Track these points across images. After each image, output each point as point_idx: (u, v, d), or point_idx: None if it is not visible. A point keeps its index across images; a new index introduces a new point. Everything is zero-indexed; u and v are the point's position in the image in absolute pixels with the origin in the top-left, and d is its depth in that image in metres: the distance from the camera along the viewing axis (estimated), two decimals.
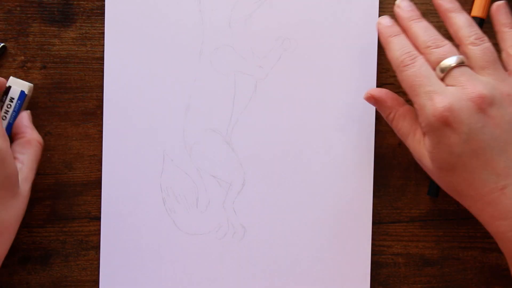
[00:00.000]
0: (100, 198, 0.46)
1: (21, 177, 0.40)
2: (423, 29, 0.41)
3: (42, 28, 0.45)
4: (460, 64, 0.39)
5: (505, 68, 0.41)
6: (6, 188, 0.38)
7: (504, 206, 0.38)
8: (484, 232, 0.47)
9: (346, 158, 0.46)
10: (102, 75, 0.46)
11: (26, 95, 0.43)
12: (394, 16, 0.43)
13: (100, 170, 0.46)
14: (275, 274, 0.46)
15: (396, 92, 0.47)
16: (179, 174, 0.46)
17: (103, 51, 0.45)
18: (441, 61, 0.39)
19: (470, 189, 0.39)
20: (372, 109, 0.46)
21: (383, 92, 0.43)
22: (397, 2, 0.43)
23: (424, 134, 0.40)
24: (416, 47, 0.41)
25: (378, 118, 0.46)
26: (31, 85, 0.44)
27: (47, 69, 0.45)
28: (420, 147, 0.41)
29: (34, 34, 0.45)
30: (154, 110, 0.46)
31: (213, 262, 0.46)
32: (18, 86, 0.43)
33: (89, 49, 0.46)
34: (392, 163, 0.47)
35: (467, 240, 0.47)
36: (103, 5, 0.45)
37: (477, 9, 0.45)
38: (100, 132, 0.46)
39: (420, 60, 0.40)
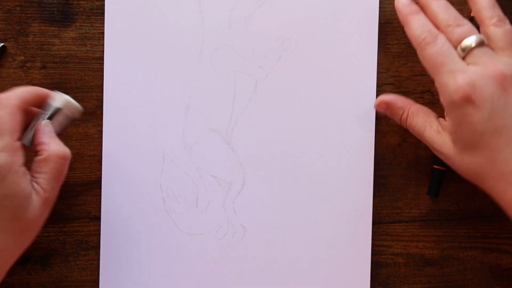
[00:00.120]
0: (100, 198, 0.46)
1: (36, 199, 0.37)
2: (443, 8, 0.41)
3: (42, 28, 0.45)
4: (480, 44, 0.39)
5: None
6: (5, 209, 0.35)
7: None
8: (484, 232, 0.47)
9: (346, 158, 0.46)
10: (102, 75, 0.45)
11: (60, 109, 0.40)
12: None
13: (100, 170, 0.46)
14: (275, 274, 0.46)
15: (394, 92, 0.47)
16: (179, 174, 0.46)
17: (103, 51, 0.45)
18: (462, 40, 0.40)
19: (492, 169, 0.39)
20: (372, 109, 0.46)
21: (391, 96, 0.44)
22: None
23: (445, 115, 0.41)
24: (436, 25, 0.41)
25: (378, 118, 0.46)
26: (78, 107, 0.41)
27: (47, 69, 0.45)
28: (440, 136, 0.41)
29: (34, 34, 0.45)
30: (154, 110, 0.46)
31: (213, 262, 0.46)
32: (56, 101, 0.40)
33: (89, 49, 0.46)
34: (392, 163, 0.47)
35: (467, 240, 0.47)
36: (103, 5, 0.45)
37: None
38: (100, 132, 0.46)
39: (442, 39, 0.40)
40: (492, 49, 0.40)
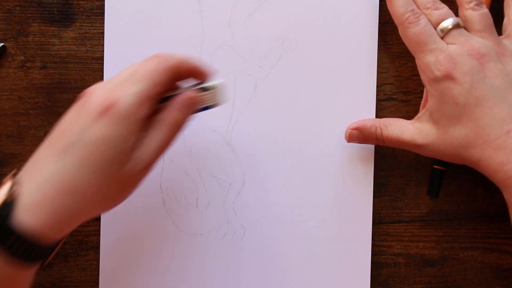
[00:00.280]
0: None
1: (137, 159, 0.35)
2: None
3: (42, 28, 0.45)
4: (456, 26, 0.42)
5: (503, 32, 0.45)
6: (106, 151, 0.34)
7: (511, 149, 0.39)
8: (484, 232, 0.47)
9: (346, 158, 0.46)
10: (102, 75, 0.45)
11: (208, 93, 0.38)
12: None
13: None
14: (275, 274, 0.46)
15: (395, 92, 0.47)
16: (179, 174, 0.46)
17: (103, 51, 0.45)
18: (440, 22, 0.43)
19: (477, 138, 0.40)
20: (372, 109, 0.46)
21: (357, 121, 0.45)
22: None
23: (428, 94, 0.43)
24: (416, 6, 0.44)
25: (378, 118, 0.46)
26: (223, 101, 0.39)
27: (47, 69, 0.45)
28: (420, 127, 0.43)
29: (34, 34, 0.45)
30: None
31: (213, 262, 0.46)
32: (210, 86, 0.38)
33: (89, 49, 0.46)
34: (392, 163, 0.47)
35: (467, 240, 0.47)
36: (103, 5, 0.45)
37: None
38: None
39: (424, 19, 0.43)
40: (469, 31, 0.43)
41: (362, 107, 0.46)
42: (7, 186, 0.34)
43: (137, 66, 0.36)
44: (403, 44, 0.46)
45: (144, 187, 0.45)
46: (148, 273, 0.46)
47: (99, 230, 0.45)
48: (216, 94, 0.39)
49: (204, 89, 0.38)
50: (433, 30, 0.43)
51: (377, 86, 0.47)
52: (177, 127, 0.37)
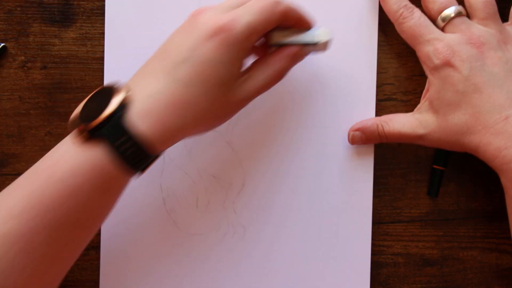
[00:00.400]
0: None
1: (240, 87, 0.38)
2: None
3: (42, 28, 0.45)
4: (458, 14, 0.43)
5: (510, 19, 0.45)
6: (214, 72, 0.36)
7: (509, 134, 0.40)
8: (484, 232, 0.47)
9: (346, 158, 0.46)
10: (102, 75, 0.46)
11: (313, 45, 0.40)
12: None
13: None
14: (275, 274, 0.46)
15: (394, 92, 0.47)
16: (179, 174, 0.46)
17: (103, 51, 0.45)
18: (442, 10, 0.43)
19: (477, 124, 0.41)
20: (372, 109, 0.46)
21: (359, 122, 0.45)
22: None
23: (429, 84, 0.44)
24: None
25: None
26: (326, 49, 0.41)
27: (47, 69, 0.46)
28: (420, 118, 0.44)
29: (34, 34, 0.45)
30: None
31: (213, 262, 0.46)
32: (317, 37, 0.40)
33: (89, 49, 0.46)
34: (392, 163, 0.47)
35: (467, 240, 0.47)
36: (103, 5, 0.45)
37: None
38: None
39: (418, 12, 0.44)
40: (472, 18, 0.44)
41: (362, 107, 0.46)
42: (123, 92, 0.35)
43: (246, 0, 0.38)
44: (403, 44, 0.46)
45: (144, 187, 0.46)
46: (148, 273, 0.46)
47: (99, 230, 0.45)
48: (320, 45, 0.41)
49: (308, 41, 0.40)
50: (429, 21, 0.43)
51: (377, 86, 0.47)
52: (282, 73, 0.40)
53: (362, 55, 0.46)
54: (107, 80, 0.45)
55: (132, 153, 0.34)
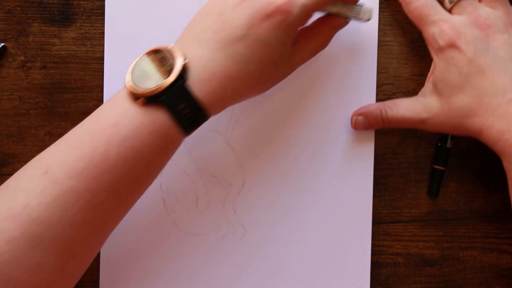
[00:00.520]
0: None
1: (290, 57, 0.40)
2: None
3: (42, 28, 0.45)
4: None
5: None
6: (270, 39, 0.37)
7: None
8: (484, 232, 0.47)
9: (346, 158, 0.46)
10: (102, 75, 0.46)
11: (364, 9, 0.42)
12: None
13: None
14: (275, 274, 0.46)
15: (394, 92, 0.47)
16: (179, 174, 0.46)
17: (103, 51, 0.45)
18: None
19: (480, 107, 0.41)
20: None
21: (363, 107, 0.45)
22: None
23: (433, 66, 0.43)
24: None
25: None
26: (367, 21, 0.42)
27: (47, 69, 0.45)
28: (423, 101, 0.43)
29: (34, 34, 0.45)
30: None
31: (213, 262, 0.46)
32: (362, 13, 0.42)
33: (89, 49, 0.46)
34: (392, 163, 0.47)
35: (467, 240, 0.47)
36: (103, 5, 0.45)
37: None
38: None
39: None
40: (480, 0, 0.43)
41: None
42: (180, 59, 0.36)
43: None
44: (403, 44, 0.46)
45: None
46: (148, 273, 0.46)
47: None
48: (363, 15, 0.42)
49: (353, 15, 0.42)
50: (436, 2, 0.43)
51: (377, 86, 0.47)
52: (327, 43, 0.42)
53: (362, 55, 0.46)
54: (107, 80, 0.45)
55: (190, 117, 0.36)
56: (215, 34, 0.37)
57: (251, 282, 0.46)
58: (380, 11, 0.46)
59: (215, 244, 0.46)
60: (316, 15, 0.41)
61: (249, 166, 0.46)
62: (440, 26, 0.42)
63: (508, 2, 0.43)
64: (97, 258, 0.45)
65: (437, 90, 0.43)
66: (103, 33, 0.45)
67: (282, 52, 0.38)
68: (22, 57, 0.45)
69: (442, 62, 0.42)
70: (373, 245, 0.47)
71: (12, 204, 0.34)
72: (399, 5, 0.45)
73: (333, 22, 0.42)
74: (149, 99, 0.36)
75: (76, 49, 0.46)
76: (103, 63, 0.45)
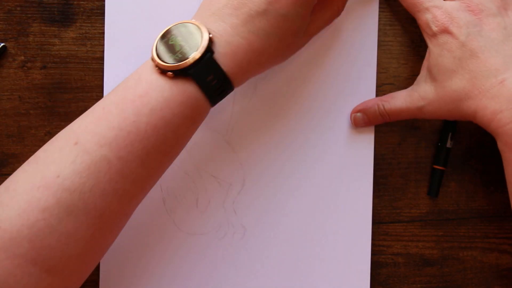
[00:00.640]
0: None
1: (305, 30, 0.42)
2: None
3: (42, 28, 0.45)
4: None
5: None
6: (290, 14, 0.39)
7: (504, 97, 0.40)
8: (484, 232, 0.47)
9: (346, 157, 0.46)
10: (102, 75, 0.46)
11: None
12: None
13: None
14: (275, 274, 0.46)
15: (395, 86, 0.47)
16: (179, 174, 0.46)
17: (103, 51, 0.45)
18: None
19: (474, 89, 0.41)
20: None
21: (360, 103, 0.46)
22: None
23: (428, 52, 0.44)
24: None
25: None
26: None
27: (47, 69, 0.45)
28: (419, 89, 0.44)
29: (34, 34, 0.45)
30: None
31: (213, 262, 0.46)
32: None
33: (89, 49, 0.46)
34: (392, 163, 0.47)
35: (467, 240, 0.47)
36: (103, 5, 0.45)
37: None
38: None
39: None
40: None
41: None
42: (206, 33, 0.37)
43: None
44: (403, 44, 0.46)
45: None
46: (148, 273, 0.46)
47: None
48: None
49: None
50: None
51: (377, 86, 0.47)
52: (340, 12, 0.44)
53: (362, 55, 0.46)
54: (107, 80, 0.45)
55: (217, 88, 0.38)
56: (235, 10, 0.38)
57: (251, 282, 0.46)
58: (380, 11, 0.46)
59: (215, 244, 0.46)
60: None
61: (249, 166, 0.46)
62: (433, 12, 0.42)
63: None
64: None
65: (432, 76, 0.43)
66: (103, 33, 0.45)
67: (301, 24, 0.40)
68: (22, 57, 0.45)
69: (436, 47, 0.42)
70: (373, 245, 0.47)
71: (44, 174, 0.35)
72: (399, 5, 0.45)
73: None
74: (178, 72, 0.37)
75: (76, 49, 0.46)
76: (103, 63, 0.45)
